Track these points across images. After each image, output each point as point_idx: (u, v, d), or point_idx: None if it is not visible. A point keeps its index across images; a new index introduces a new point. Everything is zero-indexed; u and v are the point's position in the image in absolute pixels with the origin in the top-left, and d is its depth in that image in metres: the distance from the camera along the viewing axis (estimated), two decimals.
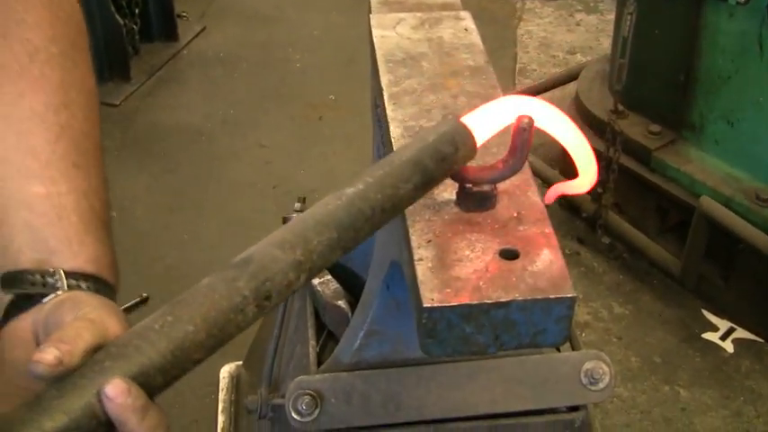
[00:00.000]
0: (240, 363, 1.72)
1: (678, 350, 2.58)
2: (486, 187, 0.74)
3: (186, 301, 0.62)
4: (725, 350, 2.58)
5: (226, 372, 1.71)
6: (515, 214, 0.75)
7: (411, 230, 0.74)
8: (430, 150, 0.71)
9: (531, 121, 0.71)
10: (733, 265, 2.56)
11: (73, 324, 0.68)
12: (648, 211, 2.74)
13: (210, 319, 0.61)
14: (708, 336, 2.62)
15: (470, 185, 0.74)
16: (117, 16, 3.71)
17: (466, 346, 0.66)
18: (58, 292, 0.79)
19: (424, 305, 0.66)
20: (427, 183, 0.70)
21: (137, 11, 3.86)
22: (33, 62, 0.88)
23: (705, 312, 2.68)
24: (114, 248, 0.90)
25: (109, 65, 3.78)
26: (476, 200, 0.75)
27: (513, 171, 0.73)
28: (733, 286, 2.59)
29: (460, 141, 0.72)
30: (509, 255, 0.69)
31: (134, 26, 3.87)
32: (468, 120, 0.74)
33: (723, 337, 2.61)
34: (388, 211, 0.69)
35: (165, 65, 3.98)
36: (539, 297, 0.65)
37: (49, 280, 0.80)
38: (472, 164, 0.75)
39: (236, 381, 1.70)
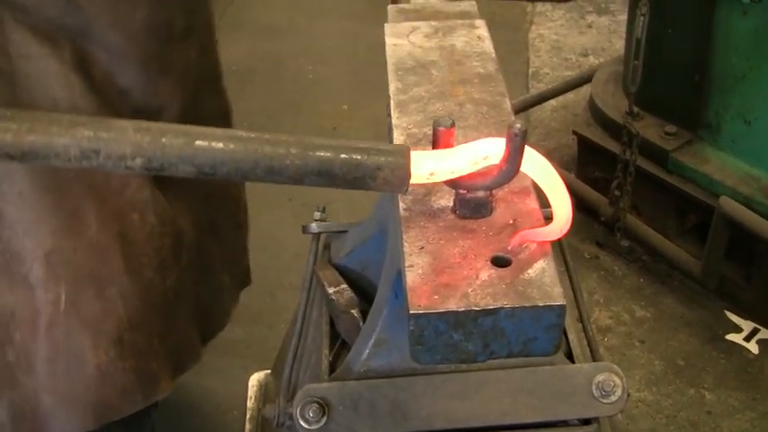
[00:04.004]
0: (269, 371, 1.74)
1: (702, 352, 2.56)
2: (480, 194, 0.74)
3: (36, 116, 0.72)
4: (750, 351, 2.55)
5: (255, 380, 1.73)
6: (511, 221, 0.75)
7: (404, 237, 0.74)
8: (350, 150, 0.72)
9: (523, 127, 0.71)
10: (755, 265, 2.53)
11: None
12: (667, 213, 2.72)
13: (32, 129, 0.71)
14: (732, 337, 2.59)
15: (465, 192, 0.74)
16: None
17: (455, 354, 0.66)
18: None
19: (411, 311, 0.66)
20: (323, 176, 0.73)
21: None
22: None
23: (728, 313, 2.65)
24: None
25: None
26: (471, 206, 0.75)
27: (508, 178, 0.72)
28: (755, 286, 2.56)
29: (388, 166, 0.72)
30: (501, 262, 0.69)
31: None
32: (427, 155, 0.73)
33: (747, 338, 2.58)
34: (261, 170, 0.72)
35: None
36: (527, 305, 0.65)
37: None
38: None
39: (264, 389, 1.71)
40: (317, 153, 0.73)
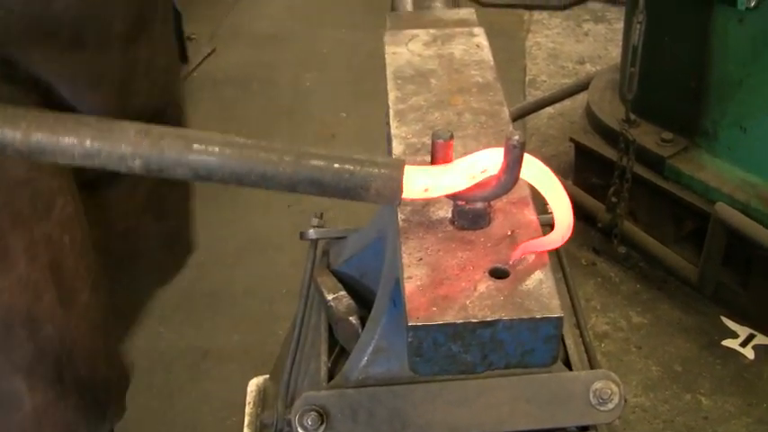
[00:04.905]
0: (268, 376, 1.74)
1: (698, 358, 2.57)
2: (479, 205, 0.74)
3: (44, 116, 0.75)
4: (745, 357, 2.56)
5: (253, 385, 1.73)
6: (509, 233, 0.75)
7: (403, 248, 0.74)
8: (343, 160, 0.73)
9: (522, 138, 0.72)
10: (751, 271, 2.54)
11: None
12: (664, 220, 2.73)
13: (39, 128, 0.74)
14: (728, 343, 2.60)
15: (463, 203, 0.74)
16: None
17: (454, 365, 0.67)
18: None
19: (410, 323, 0.66)
20: (315, 184, 0.75)
21: None
22: None
23: (724, 319, 2.66)
24: None
25: None
26: (469, 218, 0.75)
27: (506, 189, 0.73)
28: (751, 292, 2.57)
29: (381, 178, 0.73)
30: (499, 274, 0.69)
31: None
32: (422, 171, 0.74)
33: (743, 344, 2.60)
34: (255, 175, 0.74)
35: None
36: (525, 317, 0.65)
37: None
38: None
39: (262, 394, 1.71)
40: (311, 162, 0.74)
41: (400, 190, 0.73)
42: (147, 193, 1.48)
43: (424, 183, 0.72)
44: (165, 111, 1.44)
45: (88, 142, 0.73)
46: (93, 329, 1.34)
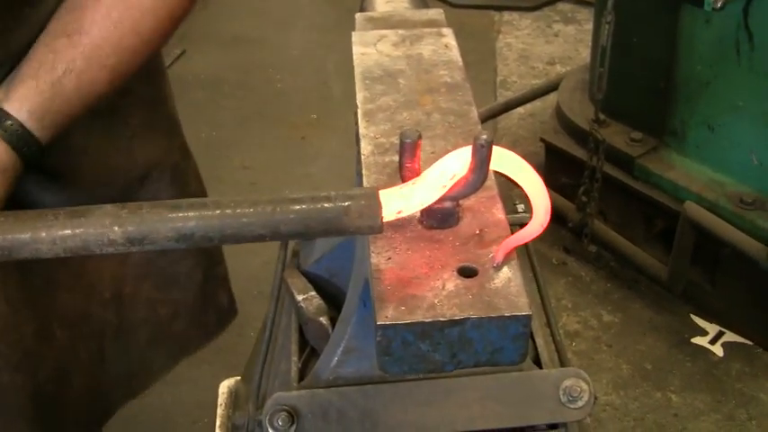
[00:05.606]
0: (239, 378, 1.73)
1: (668, 356, 2.59)
2: (447, 204, 0.75)
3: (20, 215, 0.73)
4: (715, 354, 2.59)
5: (225, 386, 1.72)
6: (478, 231, 0.75)
7: (372, 247, 0.74)
8: (319, 199, 0.73)
9: (489, 138, 0.72)
10: (720, 270, 2.57)
11: None
12: (634, 219, 2.75)
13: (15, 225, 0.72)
14: (697, 340, 2.63)
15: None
16: None
17: (423, 364, 0.67)
18: None
19: (378, 322, 0.66)
20: (297, 228, 0.73)
21: None
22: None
23: (694, 317, 2.69)
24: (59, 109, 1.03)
25: None
26: (438, 217, 0.75)
27: (474, 188, 0.73)
28: (720, 290, 2.60)
29: (358, 210, 0.72)
30: (467, 272, 0.70)
31: None
32: (394, 195, 0.73)
33: (712, 342, 2.63)
34: (232, 231, 0.73)
35: None
36: (493, 315, 0.65)
37: None
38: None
39: (234, 395, 1.70)
40: (289, 207, 0.72)
41: (380, 218, 0.72)
42: (142, 262, 1.41)
43: (396, 206, 0.72)
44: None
45: (67, 230, 0.71)
46: (12, 414, 1.25)
